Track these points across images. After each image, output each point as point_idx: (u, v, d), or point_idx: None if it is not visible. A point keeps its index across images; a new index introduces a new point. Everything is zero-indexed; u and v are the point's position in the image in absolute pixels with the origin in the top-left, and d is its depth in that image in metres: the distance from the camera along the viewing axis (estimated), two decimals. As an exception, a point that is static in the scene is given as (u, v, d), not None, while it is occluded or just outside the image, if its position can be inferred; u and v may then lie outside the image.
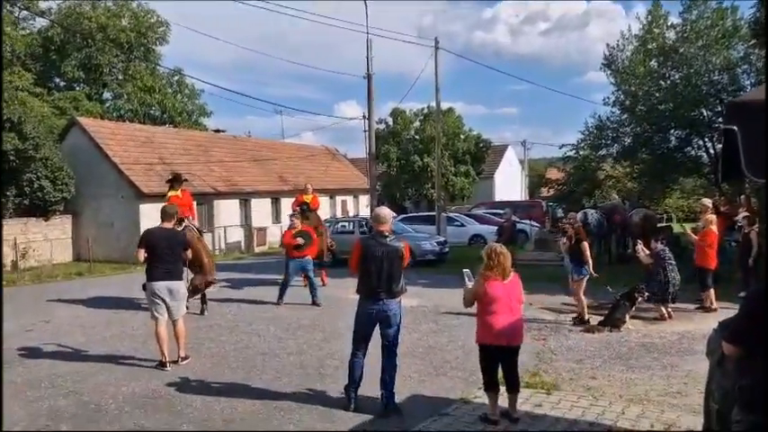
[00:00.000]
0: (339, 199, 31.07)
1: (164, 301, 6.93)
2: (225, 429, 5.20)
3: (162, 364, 6.96)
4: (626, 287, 9.32)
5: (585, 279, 9.20)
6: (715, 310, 9.47)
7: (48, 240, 19.90)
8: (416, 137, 39.50)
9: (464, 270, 5.41)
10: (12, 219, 19.01)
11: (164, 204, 8.11)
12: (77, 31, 28.16)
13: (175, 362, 7.02)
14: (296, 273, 11.18)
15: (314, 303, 11.03)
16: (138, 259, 7.24)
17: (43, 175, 19.29)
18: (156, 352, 7.14)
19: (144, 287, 7.14)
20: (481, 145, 40.74)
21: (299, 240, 11.07)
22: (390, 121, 40.37)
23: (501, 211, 21.58)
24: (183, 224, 9.40)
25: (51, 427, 5.31)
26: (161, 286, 6.91)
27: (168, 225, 7.25)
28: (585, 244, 9.28)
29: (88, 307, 11.42)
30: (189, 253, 7.63)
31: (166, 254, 6.95)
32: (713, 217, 10.22)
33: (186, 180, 11.97)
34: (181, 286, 7.22)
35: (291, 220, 11.66)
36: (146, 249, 7.00)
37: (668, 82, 19.47)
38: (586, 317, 9.08)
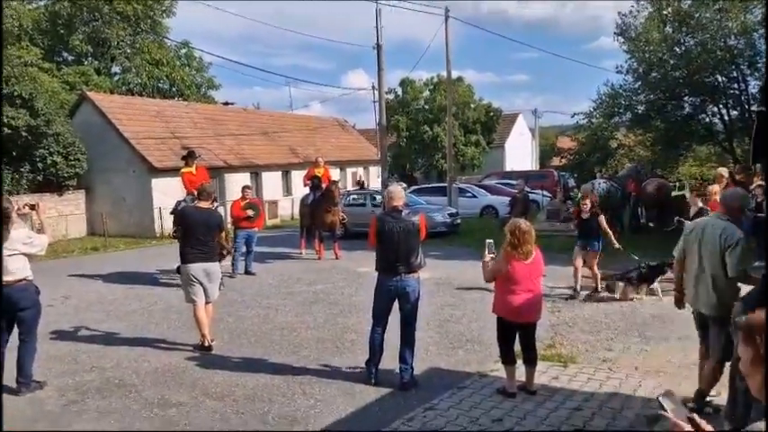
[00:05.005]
0: (349, 171, 31.01)
1: (200, 283, 6.75)
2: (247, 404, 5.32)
3: (205, 348, 6.79)
4: (647, 258, 9.29)
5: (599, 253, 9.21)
6: None
7: (62, 216, 20.05)
8: (426, 106, 39.17)
9: (487, 241, 5.29)
10: (26, 195, 19.15)
11: (202, 183, 7.88)
12: (84, 4, 27.93)
13: (202, 346, 6.83)
14: (243, 243, 11.55)
15: (247, 272, 11.63)
16: (174, 238, 7.19)
17: (56, 151, 19.36)
18: (195, 334, 6.99)
19: (178, 270, 7.07)
20: (491, 114, 40.37)
21: (249, 212, 11.48)
22: (399, 91, 40.02)
23: (513, 182, 21.49)
24: (216, 204, 8.99)
25: (79, 402, 5.44)
26: (197, 268, 6.71)
27: (205, 204, 7.04)
28: (602, 218, 9.24)
29: (106, 282, 11.57)
30: (223, 234, 7.47)
31: (202, 235, 6.76)
32: (716, 187, 10.15)
33: (200, 156, 11.99)
34: (216, 267, 6.99)
35: (243, 192, 11.97)
36: (181, 229, 6.95)
37: (683, 48, 19.09)
38: (599, 287, 9.13)
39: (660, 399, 2.04)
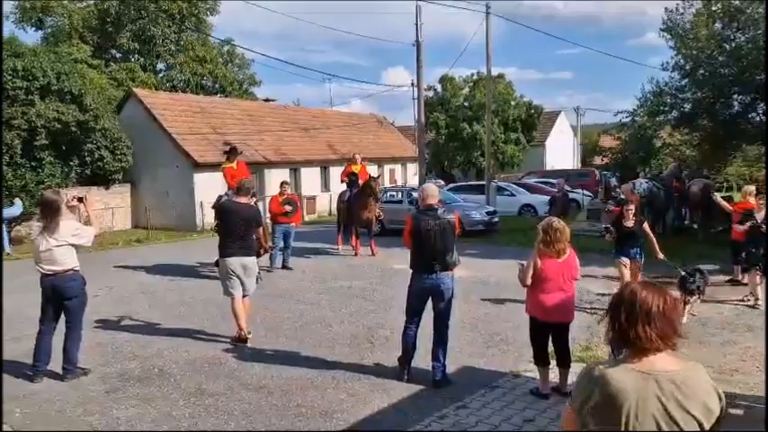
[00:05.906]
0: (387, 168, 31.06)
1: (238, 277, 6.86)
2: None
3: (241, 340, 6.91)
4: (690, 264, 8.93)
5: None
6: (745, 284, 9.21)
7: (108, 208, 20.69)
8: (466, 104, 38.91)
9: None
10: (74, 188, 19.80)
11: (242, 179, 8.01)
12: (131, 2, 28.72)
13: (239, 338, 6.94)
14: (281, 238, 11.75)
15: (284, 267, 11.86)
16: (216, 232, 7.39)
17: (103, 146, 19.97)
18: (232, 327, 7.06)
19: (217, 263, 7.23)
20: (532, 111, 39.87)
21: (287, 208, 11.69)
22: (439, 87, 39.85)
23: (553, 181, 21.22)
24: (255, 199, 9.18)
25: (120, 389, 5.63)
26: (235, 262, 6.82)
27: (244, 199, 7.12)
28: (646, 224, 8.84)
29: (148, 274, 11.90)
30: (261, 230, 7.58)
31: (241, 229, 6.86)
32: (751, 188, 9.84)
33: (241, 152, 12.22)
34: (254, 262, 7.08)
35: (282, 187, 12.16)
36: (221, 223, 7.10)
37: (732, 45, 18.51)
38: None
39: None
